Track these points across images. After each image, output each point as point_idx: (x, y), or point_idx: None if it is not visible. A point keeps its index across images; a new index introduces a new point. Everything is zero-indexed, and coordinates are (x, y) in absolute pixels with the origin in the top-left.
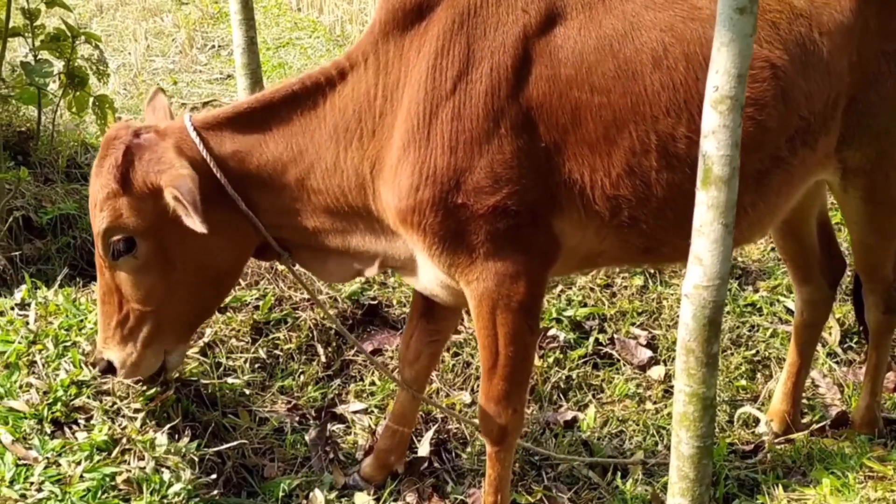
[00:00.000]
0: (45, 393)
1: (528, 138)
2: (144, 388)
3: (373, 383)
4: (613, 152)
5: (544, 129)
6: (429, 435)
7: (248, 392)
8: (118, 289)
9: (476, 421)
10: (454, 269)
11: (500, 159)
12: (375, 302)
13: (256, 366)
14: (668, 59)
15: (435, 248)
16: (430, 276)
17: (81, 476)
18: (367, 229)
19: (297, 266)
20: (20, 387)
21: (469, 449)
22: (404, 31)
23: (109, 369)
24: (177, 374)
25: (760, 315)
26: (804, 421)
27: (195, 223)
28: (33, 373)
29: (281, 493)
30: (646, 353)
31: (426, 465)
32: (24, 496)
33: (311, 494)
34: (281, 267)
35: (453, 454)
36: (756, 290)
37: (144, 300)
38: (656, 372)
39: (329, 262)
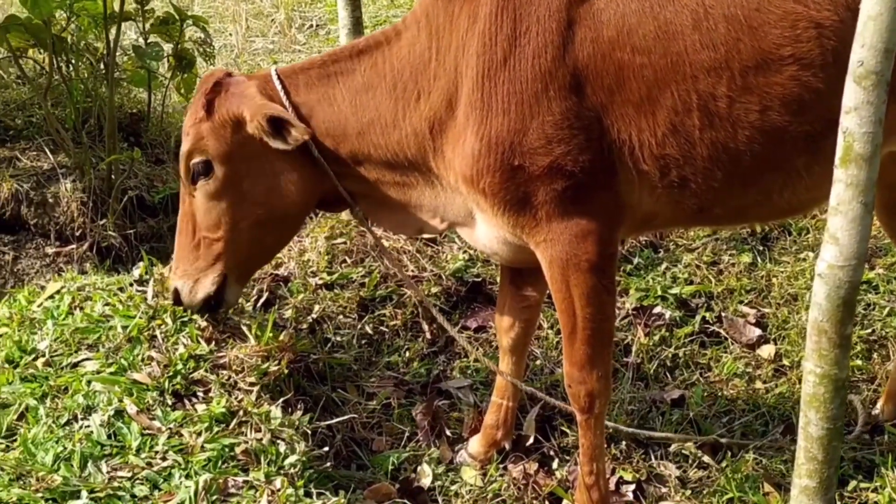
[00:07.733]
0: (165, 366)
1: (577, 99)
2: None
3: (477, 360)
4: (657, 112)
5: (591, 90)
6: (534, 412)
7: (355, 367)
8: (194, 216)
9: (551, 400)
10: (520, 230)
11: (550, 120)
12: (479, 279)
13: (363, 342)
14: (708, 20)
15: (497, 208)
16: (488, 234)
17: (202, 446)
18: (426, 184)
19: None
20: (142, 360)
21: (575, 426)
22: None
23: (178, 299)
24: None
25: (877, 293)
26: None
27: (283, 141)
28: (154, 346)
29: (390, 467)
30: (755, 332)
31: (532, 441)
32: (149, 464)
33: (418, 468)
34: (387, 244)
35: (558, 431)
36: (872, 268)
37: (213, 227)
38: (766, 351)
39: (391, 213)
